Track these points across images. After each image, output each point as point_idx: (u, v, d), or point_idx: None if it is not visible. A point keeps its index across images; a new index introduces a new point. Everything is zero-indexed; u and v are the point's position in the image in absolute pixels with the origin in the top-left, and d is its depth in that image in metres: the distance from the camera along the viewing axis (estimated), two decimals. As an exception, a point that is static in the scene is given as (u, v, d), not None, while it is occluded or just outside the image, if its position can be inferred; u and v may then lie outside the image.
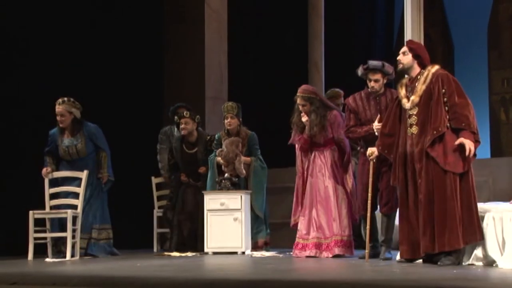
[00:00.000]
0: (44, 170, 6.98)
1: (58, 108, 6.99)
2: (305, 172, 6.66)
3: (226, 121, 7.31)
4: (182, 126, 7.42)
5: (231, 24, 9.37)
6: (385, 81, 6.25)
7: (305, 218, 6.50)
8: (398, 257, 5.70)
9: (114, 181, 7.22)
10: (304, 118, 6.55)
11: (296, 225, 6.62)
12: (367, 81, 6.31)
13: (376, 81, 6.20)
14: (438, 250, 5.29)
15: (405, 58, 5.58)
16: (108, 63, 8.55)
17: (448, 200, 5.25)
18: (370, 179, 5.83)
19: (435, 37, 12.12)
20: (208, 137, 7.53)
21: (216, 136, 7.44)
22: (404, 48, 5.63)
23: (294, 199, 6.70)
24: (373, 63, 6.22)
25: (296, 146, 6.75)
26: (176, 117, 7.57)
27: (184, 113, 7.45)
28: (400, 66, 5.59)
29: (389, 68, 6.23)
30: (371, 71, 6.21)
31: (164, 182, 8.12)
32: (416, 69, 5.57)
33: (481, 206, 5.55)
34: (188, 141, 7.49)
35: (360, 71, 6.29)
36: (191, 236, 7.30)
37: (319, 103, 6.55)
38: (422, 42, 7.95)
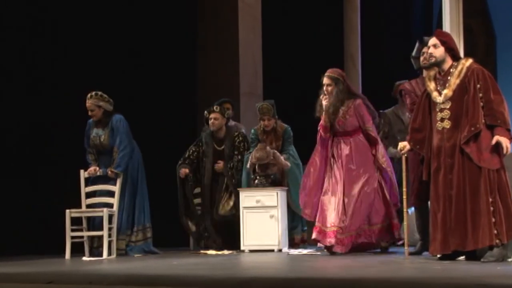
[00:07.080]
0: (92, 170, 6.92)
1: (87, 103, 6.98)
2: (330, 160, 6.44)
3: (262, 122, 7.18)
4: (211, 121, 7.21)
5: (265, 18, 9.29)
6: None
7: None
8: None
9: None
10: (325, 101, 6.38)
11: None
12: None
13: None
14: (470, 248, 5.18)
15: (437, 51, 5.36)
16: (142, 59, 8.54)
17: (481, 196, 5.12)
18: (404, 174, 5.68)
19: (475, 28, 11.83)
20: (236, 133, 7.33)
21: (252, 130, 7.34)
22: (435, 41, 5.38)
23: None
24: (428, 38, 6.08)
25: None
26: (205, 112, 7.33)
27: (214, 107, 7.23)
28: (433, 59, 5.36)
29: None
30: None
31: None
32: (448, 62, 5.37)
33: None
34: (217, 136, 7.31)
35: (416, 48, 6.10)
36: (226, 233, 7.22)
37: (343, 87, 6.37)
38: (462, 34, 7.76)
